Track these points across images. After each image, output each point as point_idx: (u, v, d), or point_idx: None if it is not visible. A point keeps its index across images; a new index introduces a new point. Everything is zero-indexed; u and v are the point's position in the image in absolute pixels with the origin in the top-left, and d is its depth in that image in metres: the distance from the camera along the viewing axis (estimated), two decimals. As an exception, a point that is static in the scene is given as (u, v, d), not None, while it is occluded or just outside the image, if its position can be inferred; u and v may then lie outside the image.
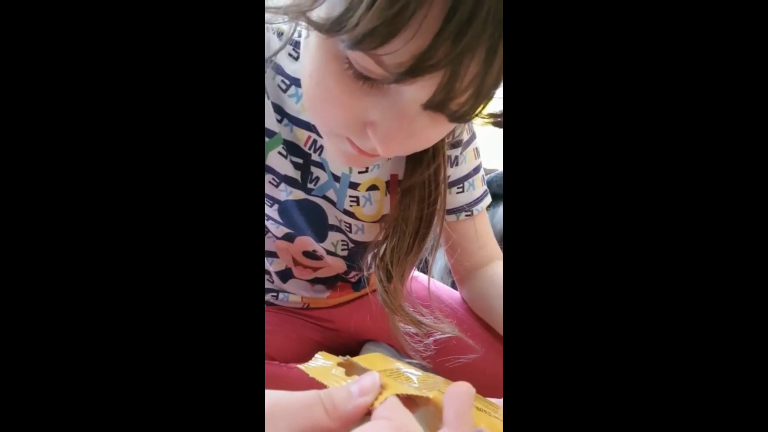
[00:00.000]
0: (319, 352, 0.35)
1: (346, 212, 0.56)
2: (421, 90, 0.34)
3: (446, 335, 0.55)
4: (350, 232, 0.58)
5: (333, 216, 0.57)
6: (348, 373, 0.32)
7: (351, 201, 0.56)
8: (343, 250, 0.61)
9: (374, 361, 0.35)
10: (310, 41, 0.37)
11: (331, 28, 0.32)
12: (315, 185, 0.54)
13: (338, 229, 0.58)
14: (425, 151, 0.51)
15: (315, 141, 0.51)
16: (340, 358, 0.33)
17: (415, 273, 0.70)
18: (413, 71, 0.31)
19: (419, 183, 0.52)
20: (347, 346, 0.71)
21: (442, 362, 0.58)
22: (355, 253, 0.61)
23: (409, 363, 0.40)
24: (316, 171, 0.54)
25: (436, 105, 0.34)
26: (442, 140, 0.51)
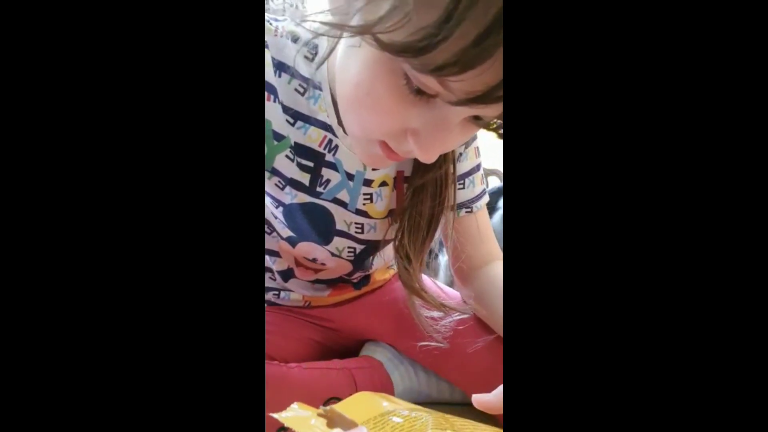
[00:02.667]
0: (295, 402, 0.34)
1: (359, 212, 0.57)
2: (478, 111, 0.36)
3: (464, 316, 0.58)
4: (361, 233, 0.59)
5: (342, 220, 0.58)
6: (330, 425, 0.30)
7: (365, 199, 0.57)
8: (349, 255, 0.61)
9: (358, 407, 0.33)
10: (361, 52, 0.38)
11: (403, 51, 0.32)
12: (324, 188, 0.55)
13: (346, 235, 0.59)
14: None
15: (330, 141, 0.52)
16: (321, 409, 0.31)
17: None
18: (484, 100, 0.33)
19: (431, 180, 0.54)
20: (347, 347, 0.71)
21: (460, 344, 0.60)
22: (363, 255, 0.62)
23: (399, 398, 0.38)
24: (327, 173, 0.54)
25: (495, 127, 0.37)
26: None
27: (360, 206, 0.57)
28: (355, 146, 0.48)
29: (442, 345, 0.56)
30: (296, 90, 0.50)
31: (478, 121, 0.39)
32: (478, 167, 0.61)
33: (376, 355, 0.68)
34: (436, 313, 0.57)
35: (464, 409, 0.65)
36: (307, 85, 0.50)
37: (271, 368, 0.57)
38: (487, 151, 0.65)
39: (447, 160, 0.54)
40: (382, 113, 0.38)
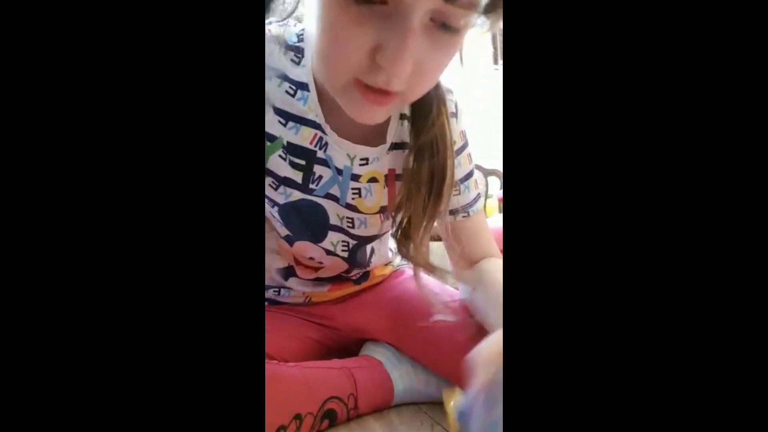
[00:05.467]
0: None
1: (349, 206, 0.59)
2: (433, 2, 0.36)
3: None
4: (353, 227, 0.61)
5: (335, 215, 0.59)
6: None
7: (353, 193, 0.58)
8: (343, 250, 0.63)
9: None
10: None
11: None
12: (317, 185, 0.57)
13: (339, 229, 0.61)
14: (429, 111, 0.55)
15: (321, 138, 0.55)
16: None
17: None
18: None
19: (427, 143, 0.55)
20: (347, 346, 0.71)
21: (460, 343, 0.59)
22: (356, 250, 0.63)
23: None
24: (319, 170, 0.56)
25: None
26: (443, 100, 0.55)
27: (349, 201, 0.59)
28: (342, 101, 0.47)
29: (453, 319, 0.58)
30: (287, 92, 0.53)
31: (446, 29, 0.39)
32: (471, 173, 0.63)
33: (375, 354, 0.68)
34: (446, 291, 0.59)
35: (464, 408, 0.65)
36: (296, 87, 0.52)
37: (271, 368, 0.57)
38: (488, 151, 0.67)
39: (440, 117, 0.54)
40: (341, 39, 0.39)
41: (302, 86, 0.52)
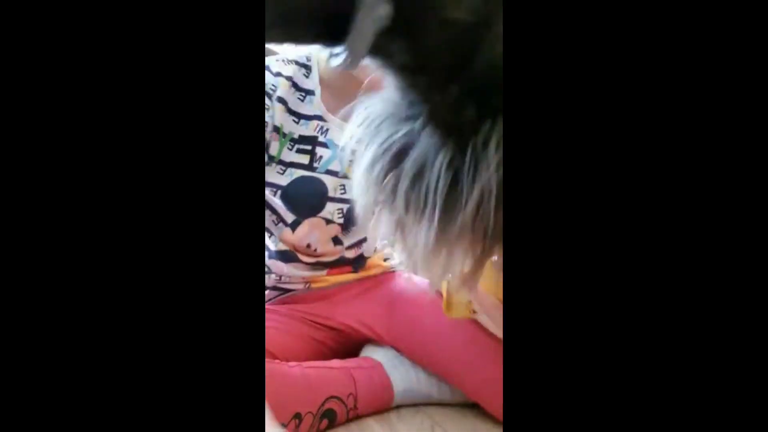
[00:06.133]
0: None
1: (346, 177, 0.72)
2: None
3: None
4: (345, 193, 0.73)
5: (333, 188, 0.71)
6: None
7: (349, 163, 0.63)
8: (339, 216, 0.72)
9: None
10: None
11: None
12: (319, 163, 0.71)
13: (337, 200, 0.72)
14: None
15: (322, 126, 0.71)
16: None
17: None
18: None
19: None
20: (347, 347, 0.72)
21: (457, 346, 0.64)
22: (350, 215, 0.74)
23: None
24: (320, 151, 0.71)
25: None
26: None
27: (345, 171, 0.71)
28: None
29: None
30: (298, 98, 0.71)
31: None
32: None
33: (375, 355, 0.68)
34: None
35: (464, 409, 0.66)
36: (305, 93, 0.71)
37: (272, 366, 0.58)
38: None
39: None
40: None
41: (310, 92, 0.71)
